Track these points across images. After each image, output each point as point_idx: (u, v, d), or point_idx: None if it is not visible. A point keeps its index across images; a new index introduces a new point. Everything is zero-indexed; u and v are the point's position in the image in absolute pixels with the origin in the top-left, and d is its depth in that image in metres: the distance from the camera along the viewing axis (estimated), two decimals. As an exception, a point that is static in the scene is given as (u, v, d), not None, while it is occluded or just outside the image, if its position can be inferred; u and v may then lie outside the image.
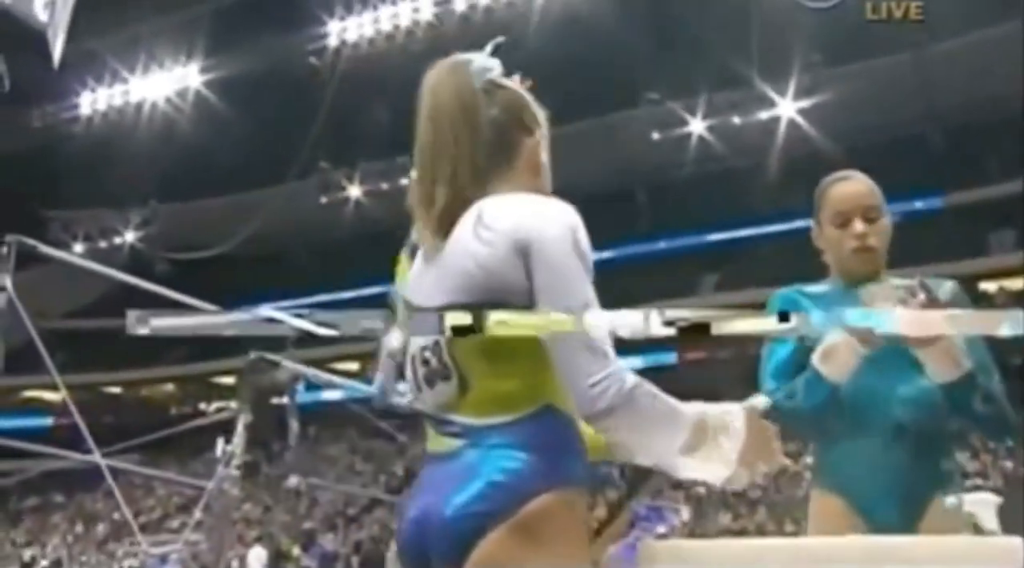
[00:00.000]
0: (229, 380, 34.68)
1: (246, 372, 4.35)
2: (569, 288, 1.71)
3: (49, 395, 32.99)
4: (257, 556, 17.76)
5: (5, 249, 4.99)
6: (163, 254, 35.20)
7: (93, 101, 34.20)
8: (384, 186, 35.35)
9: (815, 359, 2.23)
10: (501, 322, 1.68)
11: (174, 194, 38.11)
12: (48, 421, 31.40)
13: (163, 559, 3.55)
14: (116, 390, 38.08)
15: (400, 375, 1.83)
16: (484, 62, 1.87)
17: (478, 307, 1.69)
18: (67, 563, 30.93)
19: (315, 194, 35.75)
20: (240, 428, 4.10)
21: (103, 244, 38.25)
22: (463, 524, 1.68)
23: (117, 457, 5.89)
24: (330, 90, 29.38)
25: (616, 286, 32.27)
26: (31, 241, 5.31)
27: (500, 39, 1.95)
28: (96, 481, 33.47)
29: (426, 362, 1.77)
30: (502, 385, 1.73)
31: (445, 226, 1.78)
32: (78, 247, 34.74)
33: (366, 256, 38.15)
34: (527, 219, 1.73)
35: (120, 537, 31.19)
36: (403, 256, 1.91)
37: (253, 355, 4.37)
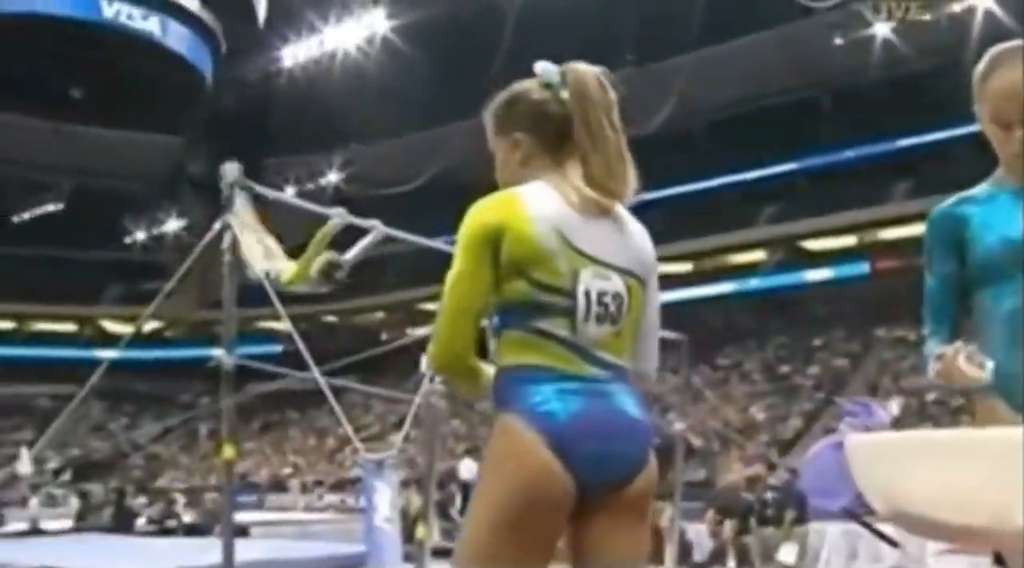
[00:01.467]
0: (433, 306, 35.73)
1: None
2: None
3: (278, 325, 34.84)
4: (467, 467, 18.39)
5: (227, 191, 5.33)
6: (364, 191, 36.33)
7: (294, 54, 35.31)
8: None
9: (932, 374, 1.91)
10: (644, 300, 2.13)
11: (370, 135, 39.22)
12: (279, 347, 33.15)
13: (379, 464, 3.76)
14: (333, 319, 39.87)
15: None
16: None
17: (642, 282, 2.11)
18: (304, 470, 32.94)
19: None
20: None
21: (311, 186, 39.81)
22: (646, 447, 2.05)
23: (337, 378, 6.21)
24: (508, 26, 29.39)
25: (805, 197, 31.36)
26: (251, 183, 5.65)
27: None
28: (323, 399, 35.44)
29: (604, 304, 2.02)
30: (629, 341, 2.09)
31: None
32: (290, 190, 36.22)
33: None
34: None
35: (346, 449, 32.98)
36: (517, 193, 2.09)
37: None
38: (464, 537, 1.99)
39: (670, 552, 9.14)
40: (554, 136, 2.14)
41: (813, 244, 31.76)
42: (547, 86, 2.17)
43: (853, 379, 26.64)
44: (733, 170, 33.07)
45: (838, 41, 30.18)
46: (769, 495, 11.31)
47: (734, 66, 31.22)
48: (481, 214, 2.04)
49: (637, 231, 2.15)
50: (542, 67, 2.20)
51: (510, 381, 2.00)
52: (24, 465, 6.21)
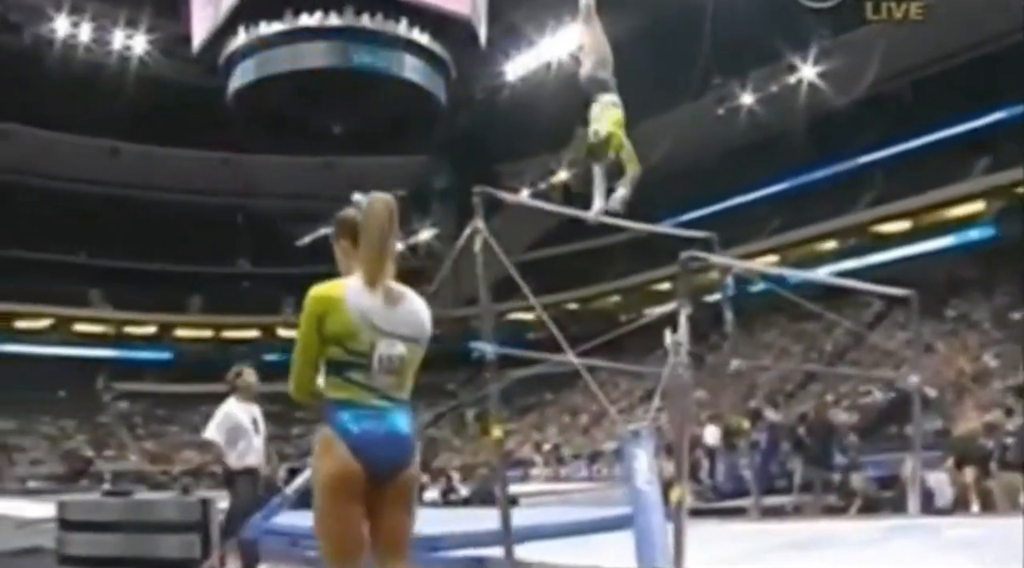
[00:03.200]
0: (665, 286, 35.44)
1: (681, 269, 4.49)
2: None
3: (524, 315, 35.67)
4: (711, 432, 18.19)
5: (475, 199, 5.51)
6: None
7: (515, 68, 35.79)
8: (774, 89, 34.14)
9: None
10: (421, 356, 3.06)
11: (591, 134, 39.23)
12: (527, 336, 33.78)
13: (636, 433, 3.80)
14: (574, 306, 40.26)
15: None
16: None
17: (419, 343, 3.03)
18: (563, 446, 33.52)
19: (713, 108, 35.24)
20: (683, 319, 4.23)
21: (543, 185, 40.39)
22: (412, 448, 3.00)
23: (586, 359, 6.28)
24: (708, 15, 28.69)
25: (1017, 145, 28.93)
26: (492, 190, 5.82)
27: (402, 193, 3.17)
28: (574, 381, 35.99)
29: (392, 362, 2.93)
30: (408, 382, 3.02)
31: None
32: (524, 192, 36.84)
33: (761, 158, 37.20)
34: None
35: (599, 424, 33.24)
36: (351, 284, 2.97)
37: (685, 255, 4.50)
38: (315, 499, 2.93)
39: (913, 500, 8.72)
40: (370, 238, 3.02)
41: (1032, 190, 29.34)
42: (359, 210, 3.11)
43: (1089, 320, 24.50)
44: (942, 126, 31.03)
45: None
46: (1009, 440, 10.64)
47: (931, 23, 29.17)
48: (315, 297, 2.95)
49: (418, 308, 3.07)
50: (356, 198, 3.17)
51: (330, 408, 2.94)
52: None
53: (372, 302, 2.92)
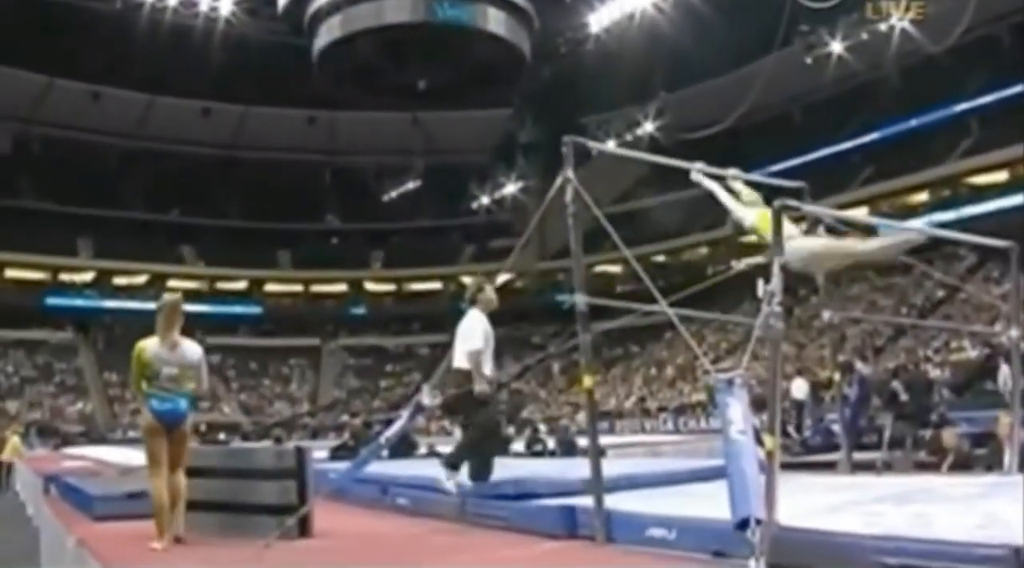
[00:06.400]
0: (752, 239, 34.87)
1: (774, 217, 4.40)
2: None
3: (611, 268, 35.54)
4: (799, 386, 17.96)
5: (565, 149, 5.46)
6: (679, 136, 35.95)
7: (599, 19, 35.38)
8: (864, 36, 33.01)
9: None
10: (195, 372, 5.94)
11: (678, 84, 38.66)
12: (614, 289, 33.66)
13: (730, 382, 3.76)
14: (661, 259, 39.93)
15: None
16: None
17: (190, 366, 5.86)
18: (648, 399, 33.50)
19: (800, 57, 34.31)
20: (776, 268, 4.15)
21: (628, 137, 39.95)
22: (185, 416, 5.84)
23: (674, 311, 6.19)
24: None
25: None
26: (582, 140, 5.76)
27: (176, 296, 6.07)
28: (659, 334, 35.91)
29: (171, 375, 5.75)
30: (185, 385, 5.83)
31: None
32: (611, 143, 36.49)
33: (851, 107, 36.09)
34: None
35: (685, 377, 33.09)
36: (152, 342, 5.77)
37: (778, 203, 4.41)
38: (143, 440, 5.84)
39: (1009, 458, 8.48)
40: (161, 319, 5.78)
41: None
42: (163, 303, 5.87)
43: None
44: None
45: None
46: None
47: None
48: (137, 347, 5.73)
49: (188, 349, 5.82)
50: (163, 297, 5.95)
51: (147, 397, 5.71)
52: (426, 397, 6.75)
53: (161, 349, 5.71)
